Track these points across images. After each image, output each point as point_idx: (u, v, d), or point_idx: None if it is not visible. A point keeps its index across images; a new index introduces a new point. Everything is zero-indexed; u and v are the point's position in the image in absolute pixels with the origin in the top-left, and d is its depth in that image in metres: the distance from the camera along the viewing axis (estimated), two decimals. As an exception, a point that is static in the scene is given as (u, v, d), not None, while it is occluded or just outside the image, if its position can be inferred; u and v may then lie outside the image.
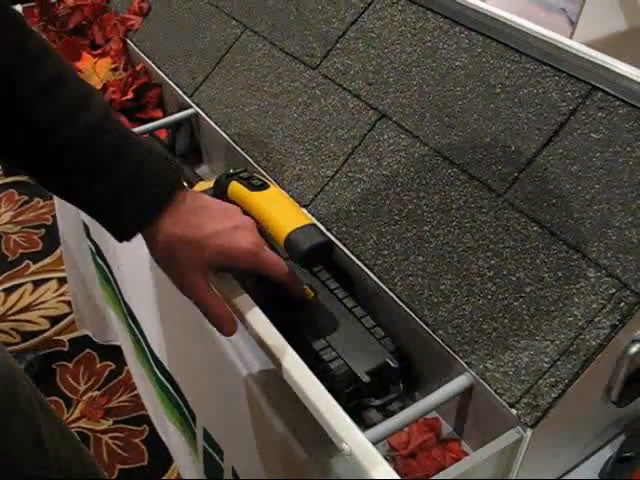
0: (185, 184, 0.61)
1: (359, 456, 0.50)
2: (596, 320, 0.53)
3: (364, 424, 0.64)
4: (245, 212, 0.70)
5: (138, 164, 0.56)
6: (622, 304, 0.53)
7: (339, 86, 0.77)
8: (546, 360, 0.54)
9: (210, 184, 0.78)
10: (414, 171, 0.67)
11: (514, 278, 0.58)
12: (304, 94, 0.79)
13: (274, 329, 0.60)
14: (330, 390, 0.62)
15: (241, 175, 0.73)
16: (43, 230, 1.89)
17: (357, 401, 0.63)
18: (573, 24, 0.73)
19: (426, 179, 0.66)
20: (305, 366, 0.57)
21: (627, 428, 0.66)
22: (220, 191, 0.74)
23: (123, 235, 0.58)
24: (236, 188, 0.72)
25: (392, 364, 0.63)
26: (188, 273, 0.59)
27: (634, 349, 0.55)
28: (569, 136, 0.60)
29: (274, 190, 0.70)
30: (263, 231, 0.68)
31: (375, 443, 0.53)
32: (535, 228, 0.59)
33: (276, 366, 0.59)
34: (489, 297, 0.59)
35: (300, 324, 0.67)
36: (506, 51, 0.66)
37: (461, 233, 0.62)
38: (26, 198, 2.03)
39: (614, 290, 0.53)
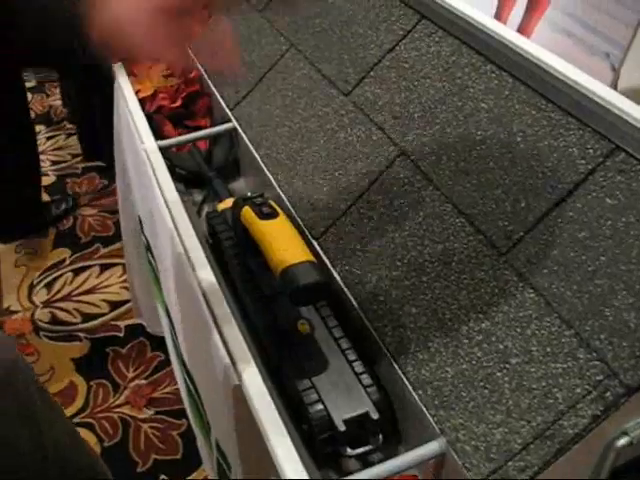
0: None
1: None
2: (578, 407, 0.49)
3: (340, 472, 0.63)
4: (256, 240, 0.69)
5: None
6: (608, 394, 0.48)
7: (366, 116, 0.74)
8: (519, 441, 0.50)
9: (231, 203, 0.78)
10: (423, 216, 0.64)
11: (502, 346, 0.54)
12: (333, 121, 0.77)
13: (259, 378, 0.59)
14: (307, 433, 0.61)
15: (255, 200, 0.72)
16: (117, 215, 1.95)
17: (333, 448, 0.61)
18: (615, 71, 0.67)
19: (433, 226, 0.63)
20: (278, 417, 0.56)
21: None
22: (236, 213, 0.73)
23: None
24: (248, 213, 0.71)
25: (372, 415, 0.60)
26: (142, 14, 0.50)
27: (622, 442, 0.51)
28: (582, 199, 0.55)
29: (282, 220, 0.69)
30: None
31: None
32: (532, 295, 0.55)
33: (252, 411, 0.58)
34: (473, 362, 0.55)
35: (290, 359, 0.65)
36: (533, 96, 0.62)
37: (457, 289, 0.59)
38: (106, 182, 2.10)
39: (602, 377, 0.49)
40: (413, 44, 0.74)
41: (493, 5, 0.83)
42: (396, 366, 0.60)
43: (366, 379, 0.63)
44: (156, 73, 1.00)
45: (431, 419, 0.55)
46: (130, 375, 1.53)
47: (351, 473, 0.62)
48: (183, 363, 1.08)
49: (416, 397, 0.57)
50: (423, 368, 0.58)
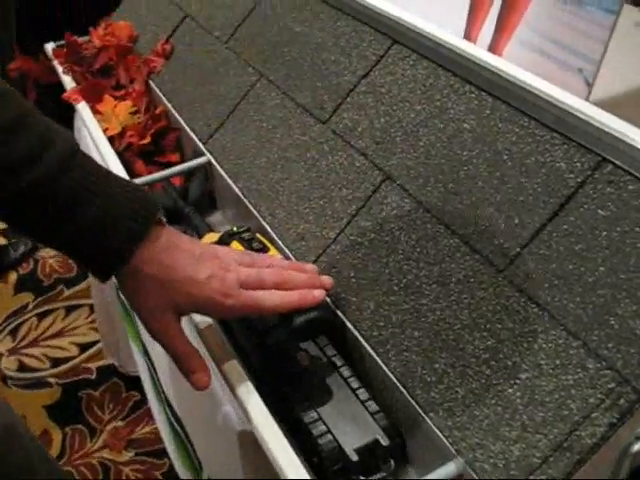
0: (163, 220, 0.58)
1: None
2: (593, 416, 0.50)
3: (354, 501, 0.62)
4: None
5: (107, 201, 0.54)
6: (622, 401, 0.49)
7: (347, 143, 0.75)
8: (538, 455, 0.51)
9: (216, 237, 0.77)
10: (415, 239, 0.65)
11: (510, 363, 0.55)
12: (313, 149, 0.78)
13: (264, 408, 0.58)
14: (317, 465, 0.61)
15: (243, 235, 0.72)
16: (79, 255, 1.91)
17: (345, 478, 0.61)
18: (589, 85, 0.69)
19: (427, 248, 0.64)
20: (292, 452, 0.55)
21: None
22: (222, 248, 0.73)
23: (101, 275, 0.57)
24: (237, 249, 0.70)
25: (383, 442, 0.60)
26: (157, 315, 0.57)
27: (637, 447, 0.52)
28: (575, 212, 0.57)
29: (273, 254, 0.69)
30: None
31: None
32: (535, 310, 0.55)
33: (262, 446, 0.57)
34: (483, 381, 0.56)
35: (293, 392, 0.65)
36: (515, 115, 0.63)
37: (459, 309, 0.59)
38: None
39: (614, 385, 0.50)
40: (387, 69, 0.75)
41: (462, 24, 0.85)
42: (404, 390, 0.59)
43: (372, 406, 0.63)
44: (122, 110, 0.99)
45: (446, 441, 0.55)
46: (106, 418, 1.50)
47: (365, 501, 0.62)
48: (167, 402, 1.06)
49: (428, 420, 0.57)
50: (432, 390, 0.58)
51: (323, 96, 0.80)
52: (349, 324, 0.65)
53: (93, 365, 1.61)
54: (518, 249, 0.58)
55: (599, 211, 0.55)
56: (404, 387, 0.60)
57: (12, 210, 0.54)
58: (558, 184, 0.58)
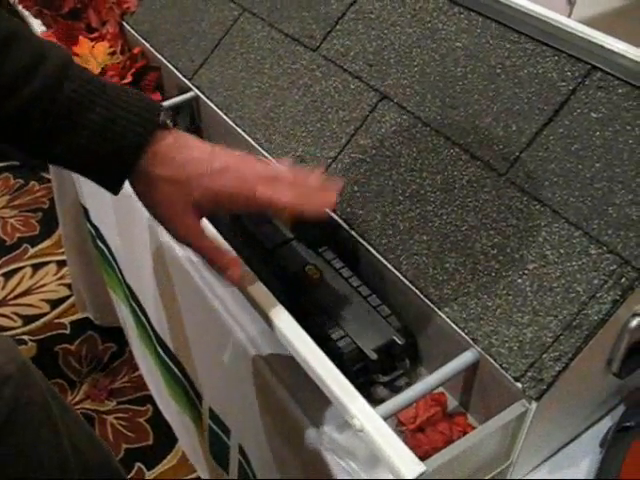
0: (168, 122, 0.58)
1: (372, 432, 0.52)
2: (598, 295, 0.55)
3: (372, 400, 0.66)
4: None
5: (109, 106, 0.54)
6: (623, 280, 0.54)
7: (339, 67, 0.77)
8: (550, 335, 0.56)
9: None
10: (416, 151, 0.68)
11: (517, 256, 0.59)
12: (305, 76, 0.80)
13: (285, 311, 0.61)
14: (339, 368, 0.64)
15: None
16: (40, 214, 1.89)
17: (365, 378, 0.65)
18: (571, 4, 0.74)
19: (429, 159, 0.67)
20: (314, 344, 0.59)
21: (627, 398, 0.68)
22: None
23: (111, 184, 0.57)
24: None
25: (398, 341, 0.64)
26: (180, 217, 0.58)
27: (634, 323, 0.57)
28: (569, 116, 0.61)
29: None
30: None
31: (385, 419, 0.55)
32: (537, 206, 0.60)
33: (286, 346, 0.60)
34: (493, 274, 0.60)
35: (307, 304, 0.68)
36: (505, 31, 0.67)
37: (464, 212, 0.63)
38: (22, 182, 2.02)
39: (615, 266, 0.55)
40: (375, -5, 0.78)
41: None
42: (417, 291, 0.63)
43: (384, 309, 0.67)
44: (100, 51, 0.98)
45: (461, 332, 0.60)
46: (84, 370, 1.51)
47: (383, 400, 0.66)
48: (160, 343, 1.08)
49: (443, 315, 0.61)
50: (445, 288, 0.62)
51: (311, 25, 0.82)
52: (357, 236, 0.69)
53: (66, 320, 1.61)
54: (517, 153, 0.62)
55: (592, 114, 0.60)
56: (417, 288, 0.64)
57: (14, 128, 0.54)
58: (551, 92, 0.63)
